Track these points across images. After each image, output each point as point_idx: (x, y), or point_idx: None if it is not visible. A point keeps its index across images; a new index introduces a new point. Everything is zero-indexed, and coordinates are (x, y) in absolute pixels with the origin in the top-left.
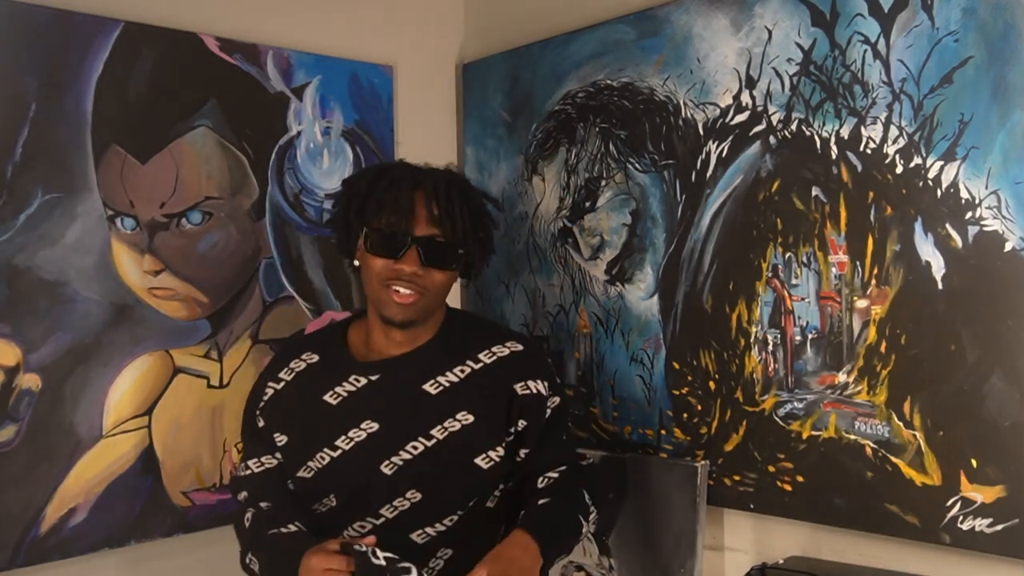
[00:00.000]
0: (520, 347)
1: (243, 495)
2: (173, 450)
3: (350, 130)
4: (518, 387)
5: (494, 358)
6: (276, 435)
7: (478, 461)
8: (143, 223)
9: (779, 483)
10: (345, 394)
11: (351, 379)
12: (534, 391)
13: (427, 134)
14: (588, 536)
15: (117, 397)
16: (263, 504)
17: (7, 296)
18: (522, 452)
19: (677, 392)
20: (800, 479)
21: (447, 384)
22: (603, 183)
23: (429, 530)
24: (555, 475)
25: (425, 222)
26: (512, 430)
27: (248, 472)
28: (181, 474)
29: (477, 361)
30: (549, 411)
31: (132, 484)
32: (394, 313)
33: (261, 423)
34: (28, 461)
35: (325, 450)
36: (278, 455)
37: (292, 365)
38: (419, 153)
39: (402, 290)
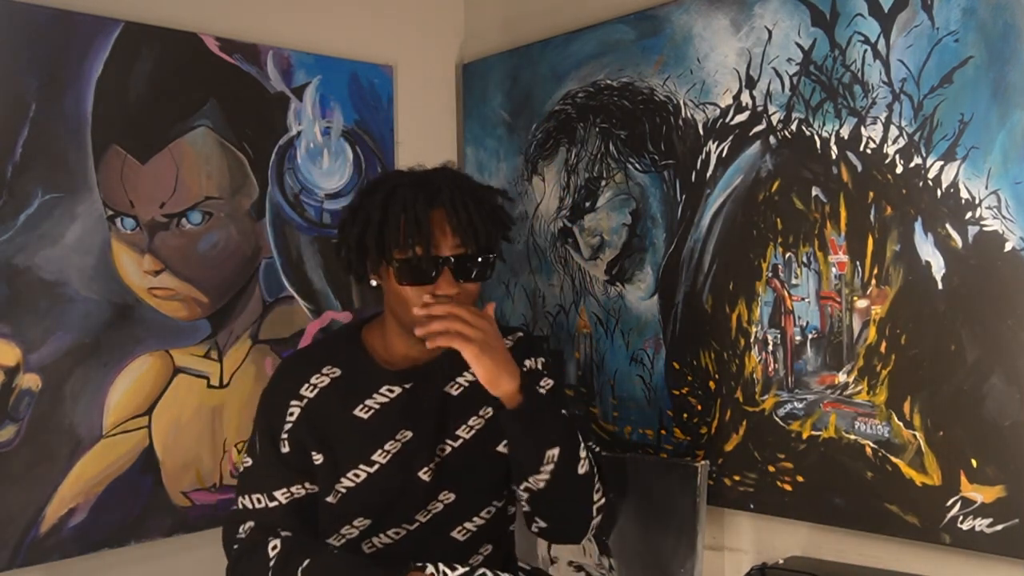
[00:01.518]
0: (521, 334)
1: (249, 525)
2: (173, 450)
3: (350, 130)
4: (523, 365)
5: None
6: (313, 455)
7: (500, 448)
8: (143, 223)
9: (779, 483)
10: (377, 407)
11: (383, 390)
12: (529, 367)
13: (427, 134)
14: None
15: (117, 397)
16: (285, 534)
17: (7, 296)
18: None
19: (677, 392)
20: (800, 479)
21: (466, 384)
22: (603, 183)
23: (468, 525)
24: None
25: (449, 240)
26: None
27: (273, 504)
28: (181, 474)
29: None
30: (543, 391)
31: (132, 484)
32: None
33: (287, 448)
34: (28, 461)
35: (361, 466)
36: (308, 484)
37: (314, 381)
38: (419, 153)
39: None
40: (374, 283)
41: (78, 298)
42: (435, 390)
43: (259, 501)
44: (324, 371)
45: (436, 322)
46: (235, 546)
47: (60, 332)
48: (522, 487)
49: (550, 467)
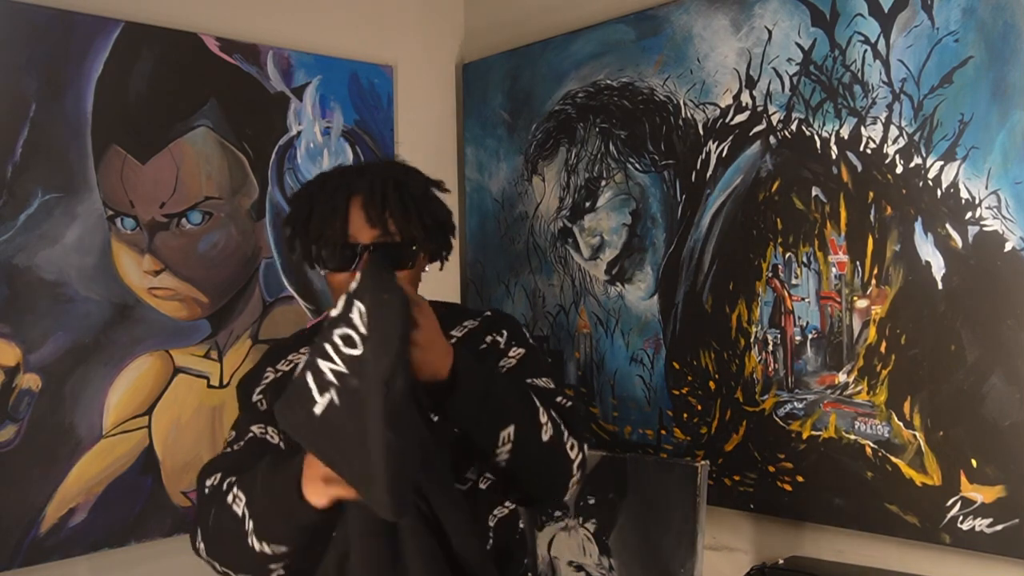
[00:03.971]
0: (488, 313)
1: (217, 476)
2: (173, 450)
3: (350, 130)
4: (480, 345)
5: (464, 331)
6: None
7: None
8: (143, 223)
9: (779, 483)
10: None
11: None
12: (488, 343)
13: (427, 134)
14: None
15: (117, 397)
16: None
17: (7, 296)
18: None
19: (677, 392)
20: (800, 479)
21: None
22: (603, 183)
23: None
24: None
25: (369, 227)
26: None
27: (248, 436)
28: (181, 474)
29: (450, 338)
30: (514, 360)
31: (132, 484)
32: None
33: (263, 407)
34: (28, 461)
35: None
36: (272, 430)
37: (291, 357)
38: (419, 153)
39: None
40: (323, 273)
41: (78, 298)
42: None
43: (228, 449)
44: (302, 351)
45: None
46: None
47: (60, 332)
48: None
49: (507, 446)
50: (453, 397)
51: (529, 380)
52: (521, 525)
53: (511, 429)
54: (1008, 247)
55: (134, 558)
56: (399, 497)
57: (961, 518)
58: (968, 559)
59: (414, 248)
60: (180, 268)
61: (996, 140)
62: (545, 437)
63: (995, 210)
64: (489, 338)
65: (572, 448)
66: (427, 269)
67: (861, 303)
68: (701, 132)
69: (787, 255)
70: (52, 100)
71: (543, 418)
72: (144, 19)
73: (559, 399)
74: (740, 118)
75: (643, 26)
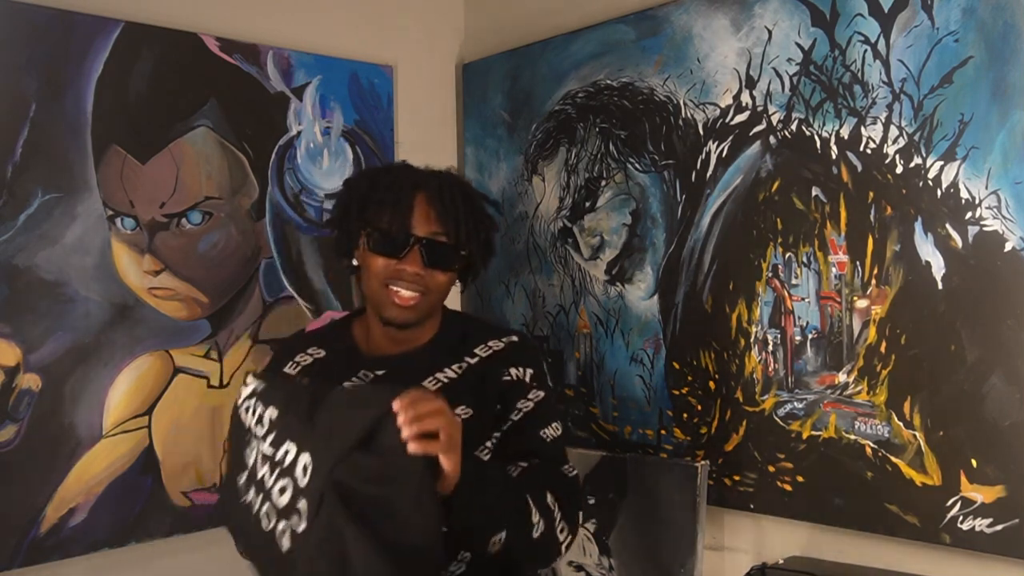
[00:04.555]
0: (515, 339)
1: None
2: (173, 450)
3: (350, 130)
4: (504, 375)
5: (489, 352)
6: None
7: (479, 455)
8: (143, 223)
9: (779, 483)
10: None
11: (360, 374)
12: (515, 377)
13: (427, 134)
14: (543, 549)
15: (117, 397)
16: None
17: (7, 296)
18: (494, 436)
19: (677, 392)
20: (800, 479)
21: (445, 380)
22: (603, 183)
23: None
24: (523, 464)
25: (427, 222)
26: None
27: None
28: (181, 474)
29: (473, 356)
30: (532, 404)
31: (132, 484)
32: (394, 314)
33: None
34: (28, 461)
35: None
36: None
37: (297, 359)
38: (419, 153)
39: (403, 291)
40: (355, 263)
41: (78, 298)
42: (411, 381)
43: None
44: (309, 351)
45: (416, 423)
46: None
47: (60, 332)
48: None
49: (496, 547)
50: (453, 511)
51: (542, 431)
52: None
53: (502, 535)
54: (1008, 247)
55: (134, 558)
56: None
57: (961, 518)
58: (968, 559)
59: (462, 253)
60: (180, 268)
61: (996, 140)
62: (536, 535)
63: (995, 210)
64: (515, 372)
65: (562, 532)
66: (457, 284)
67: (861, 303)
68: (701, 132)
69: (787, 255)
70: (52, 100)
71: (535, 518)
72: (144, 19)
73: (564, 467)
74: (740, 118)
75: (643, 26)
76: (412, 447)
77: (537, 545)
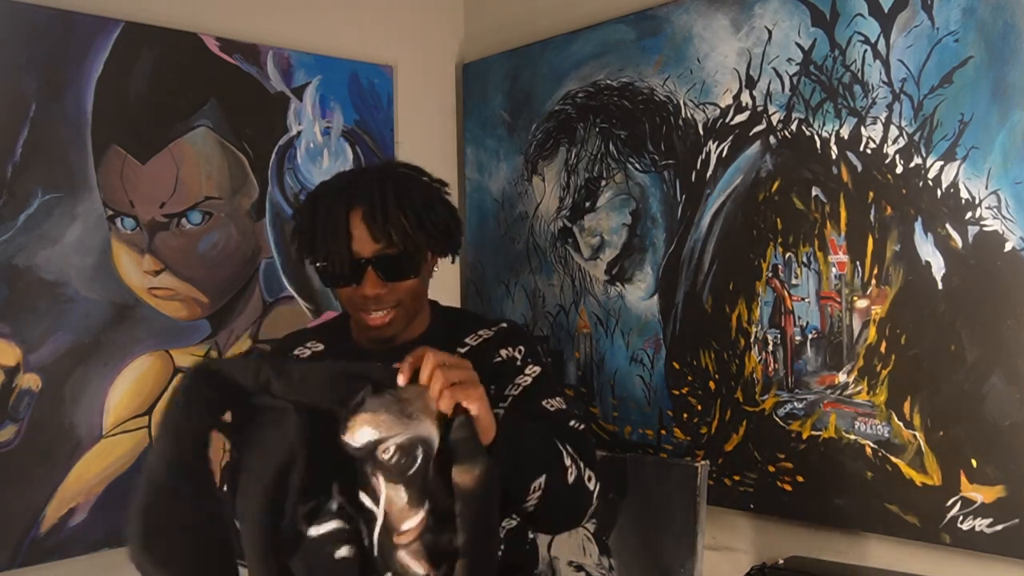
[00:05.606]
0: (504, 325)
1: None
2: None
3: (350, 130)
4: (495, 357)
5: (480, 340)
6: None
7: None
8: (143, 223)
9: (779, 483)
10: None
11: None
12: (505, 356)
13: (427, 134)
14: (585, 493)
15: (117, 397)
16: None
17: (7, 296)
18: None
19: (677, 392)
20: (800, 479)
21: None
22: (603, 183)
23: None
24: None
25: (370, 241)
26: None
27: None
28: None
29: (463, 345)
30: (529, 379)
31: (132, 484)
32: (375, 335)
33: None
34: (28, 461)
35: None
36: None
37: (296, 352)
38: (419, 153)
39: (373, 314)
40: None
41: (78, 298)
42: None
43: None
44: (308, 344)
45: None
46: None
47: (60, 332)
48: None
49: (537, 493)
50: (496, 457)
51: (544, 401)
52: (531, 535)
53: (542, 479)
54: (1008, 247)
55: None
56: None
57: (961, 518)
58: (968, 559)
59: (417, 258)
60: (180, 268)
61: (996, 140)
62: (570, 479)
63: (995, 210)
64: (505, 352)
65: (590, 480)
66: (438, 266)
67: (861, 303)
68: (701, 132)
69: (787, 255)
70: (52, 100)
71: (567, 461)
72: (144, 19)
73: (572, 423)
74: (740, 118)
75: (643, 26)
76: (445, 400)
77: (572, 492)
